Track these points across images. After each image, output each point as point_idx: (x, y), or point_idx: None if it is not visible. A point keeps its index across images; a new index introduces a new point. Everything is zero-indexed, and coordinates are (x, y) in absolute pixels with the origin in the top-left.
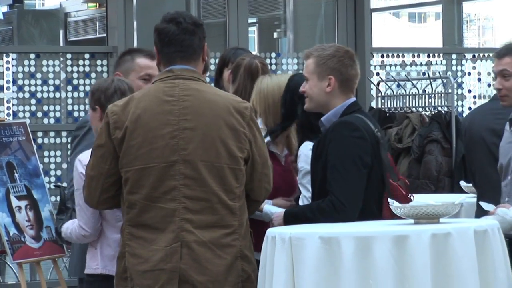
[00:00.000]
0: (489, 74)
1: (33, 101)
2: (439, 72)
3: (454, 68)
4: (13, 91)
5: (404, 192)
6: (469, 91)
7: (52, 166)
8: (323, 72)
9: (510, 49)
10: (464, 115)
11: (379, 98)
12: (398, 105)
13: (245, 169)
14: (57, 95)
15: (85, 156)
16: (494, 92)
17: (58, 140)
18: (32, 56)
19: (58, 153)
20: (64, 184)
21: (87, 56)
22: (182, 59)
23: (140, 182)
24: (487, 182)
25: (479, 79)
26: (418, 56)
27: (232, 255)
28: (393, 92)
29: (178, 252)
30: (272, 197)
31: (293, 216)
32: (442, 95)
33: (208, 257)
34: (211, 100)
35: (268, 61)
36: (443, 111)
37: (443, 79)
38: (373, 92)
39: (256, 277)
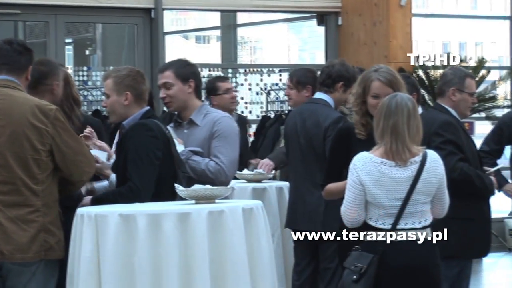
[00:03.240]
0: (257, 84)
1: None
2: None
3: (230, 80)
4: None
5: None
6: (242, 98)
7: None
8: (121, 89)
9: (169, 64)
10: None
11: None
12: None
13: (56, 158)
14: None
15: None
16: (263, 99)
17: None
18: None
19: None
20: None
21: None
22: (8, 71)
23: None
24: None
25: (249, 89)
26: (202, 70)
27: (36, 228)
28: None
29: None
30: None
31: (98, 200)
32: None
33: (14, 230)
34: (20, 103)
35: (80, 73)
36: None
37: None
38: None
39: (59, 248)
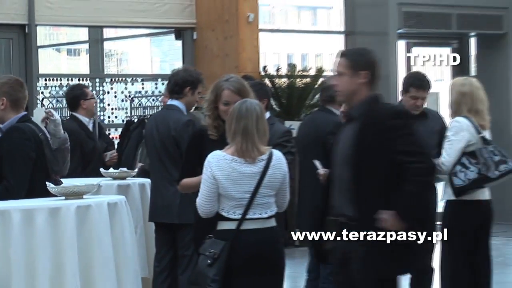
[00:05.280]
0: (122, 92)
1: None
2: None
3: (97, 88)
4: None
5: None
6: (108, 104)
7: None
8: None
9: None
10: (106, 122)
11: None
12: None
13: None
14: None
15: None
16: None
17: None
18: None
19: None
20: None
21: None
22: None
23: None
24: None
25: (115, 96)
26: (72, 80)
27: None
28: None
29: None
30: None
31: None
32: None
33: None
34: None
35: None
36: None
37: None
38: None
39: None
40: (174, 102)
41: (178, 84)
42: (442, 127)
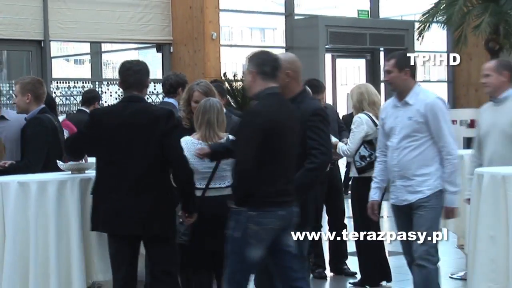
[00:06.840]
0: (116, 92)
1: None
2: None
3: (97, 89)
4: None
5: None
6: (105, 102)
7: None
8: (24, 92)
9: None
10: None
11: (60, 106)
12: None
13: None
14: None
15: None
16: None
17: None
18: None
19: None
20: None
21: None
22: None
23: None
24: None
25: (111, 95)
26: (78, 83)
27: None
28: (63, 102)
29: None
30: None
31: (2, 172)
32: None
33: None
34: None
35: None
36: None
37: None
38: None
39: None
40: (171, 100)
41: (172, 86)
42: (338, 117)
